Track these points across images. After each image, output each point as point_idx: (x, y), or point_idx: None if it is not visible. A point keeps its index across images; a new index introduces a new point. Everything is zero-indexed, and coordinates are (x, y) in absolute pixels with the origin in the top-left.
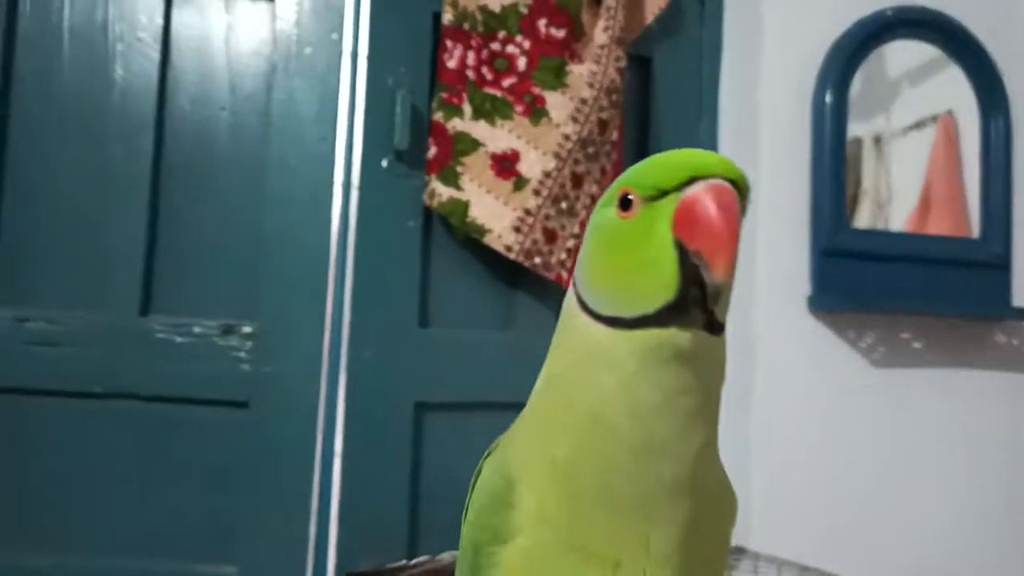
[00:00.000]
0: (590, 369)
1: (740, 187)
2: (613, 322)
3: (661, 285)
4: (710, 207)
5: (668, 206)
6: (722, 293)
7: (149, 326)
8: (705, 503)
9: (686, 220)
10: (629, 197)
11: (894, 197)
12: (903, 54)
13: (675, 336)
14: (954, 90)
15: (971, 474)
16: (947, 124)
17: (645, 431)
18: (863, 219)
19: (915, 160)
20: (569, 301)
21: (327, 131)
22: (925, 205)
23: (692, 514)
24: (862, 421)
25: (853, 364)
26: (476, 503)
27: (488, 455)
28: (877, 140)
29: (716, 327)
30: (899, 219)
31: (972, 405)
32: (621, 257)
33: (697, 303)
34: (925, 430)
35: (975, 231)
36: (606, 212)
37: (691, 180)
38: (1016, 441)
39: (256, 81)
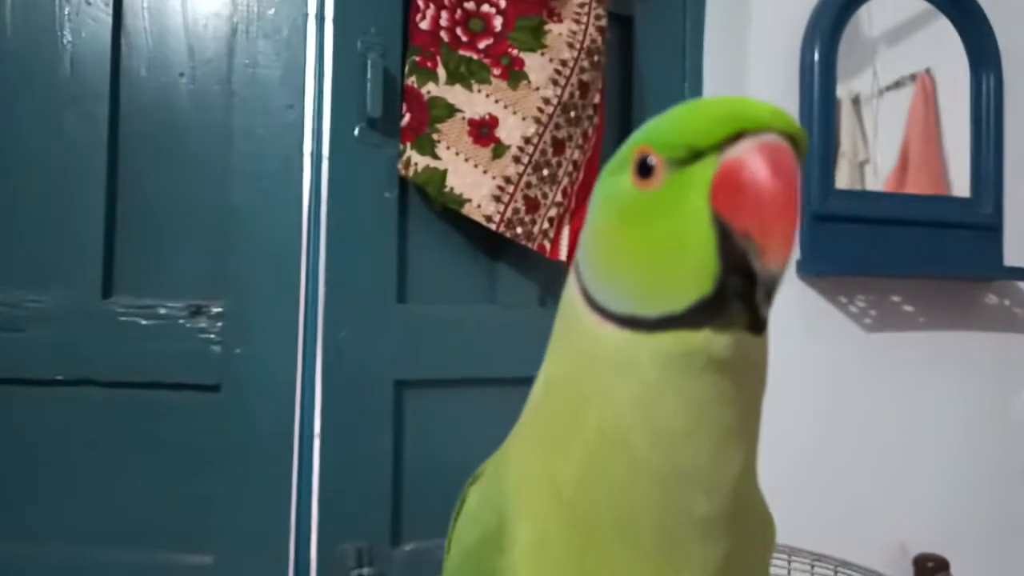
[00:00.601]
0: (601, 378)
1: (799, 146)
2: (629, 322)
3: (693, 275)
4: (763, 172)
5: (704, 172)
6: (777, 285)
7: (112, 308)
8: (743, 538)
9: (731, 189)
10: (649, 161)
11: (872, 158)
12: (881, 14)
13: (710, 341)
14: (933, 48)
15: (965, 437)
16: (925, 83)
17: (671, 455)
18: (841, 181)
19: (893, 120)
20: (570, 292)
21: (294, 98)
22: (903, 165)
23: (728, 553)
24: (854, 386)
25: (844, 329)
26: (462, 540)
27: (474, 480)
28: (855, 101)
29: (759, 325)
30: (877, 180)
31: (965, 367)
32: (640, 239)
33: (739, 296)
34: (918, 393)
35: (953, 190)
36: (618, 181)
37: (736, 136)
38: (1008, 401)
39: (217, 45)
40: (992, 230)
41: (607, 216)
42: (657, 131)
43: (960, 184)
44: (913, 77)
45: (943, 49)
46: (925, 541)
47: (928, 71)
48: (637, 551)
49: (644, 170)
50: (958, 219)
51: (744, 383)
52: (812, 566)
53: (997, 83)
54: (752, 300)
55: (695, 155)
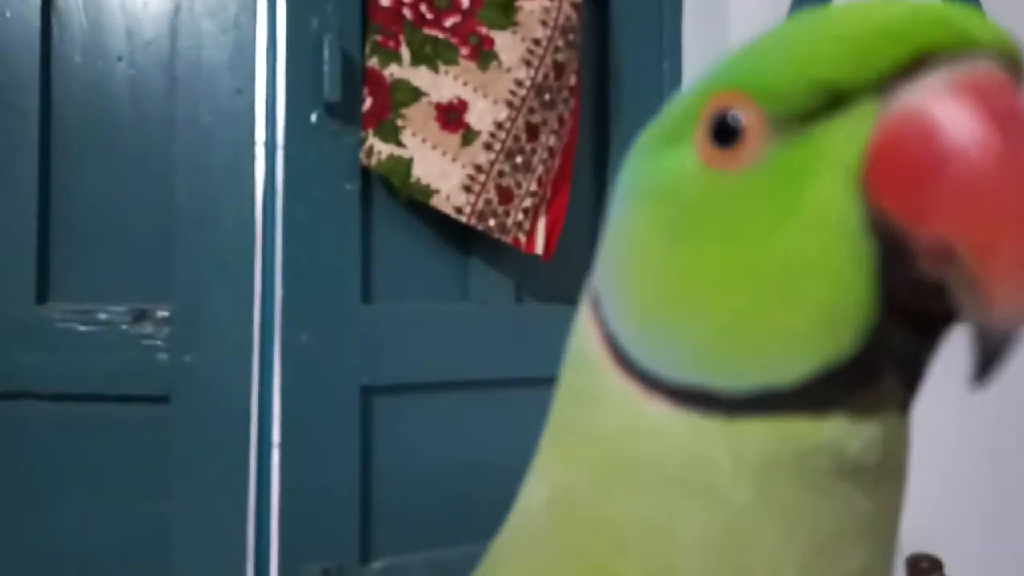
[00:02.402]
0: (649, 496)
1: (1020, 73)
2: (697, 399)
3: (823, 324)
4: (983, 132)
5: (847, 135)
6: (1011, 343)
7: (48, 315)
8: None
9: (914, 169)
10: (734, 119)
11: None
12: None
13: (845, 434)
14: None
15: (957, 433)
16: None
17: None
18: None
19: None
20: (583, 343)
21: (244, 83)
22: None
23: None
24: None
25: None
26: None
27: None
28: None
29: (913, 394)
30: None
31: (955, 359)
32: (718, 259)
33: (900, 361)
34: None
35: None
36: (670, 159)
37: (913, 65)
38: (1001, 395)
39: (157, 26)
40: None
41: (653, 220)
42: (756, 61)
43: None
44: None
45: None
46: (918, 541)
47: None
48: None
49: (725, 135)
50: None
51: (887, 489)
52: None
53: None
54: (918, 365)
55: (831, 103)
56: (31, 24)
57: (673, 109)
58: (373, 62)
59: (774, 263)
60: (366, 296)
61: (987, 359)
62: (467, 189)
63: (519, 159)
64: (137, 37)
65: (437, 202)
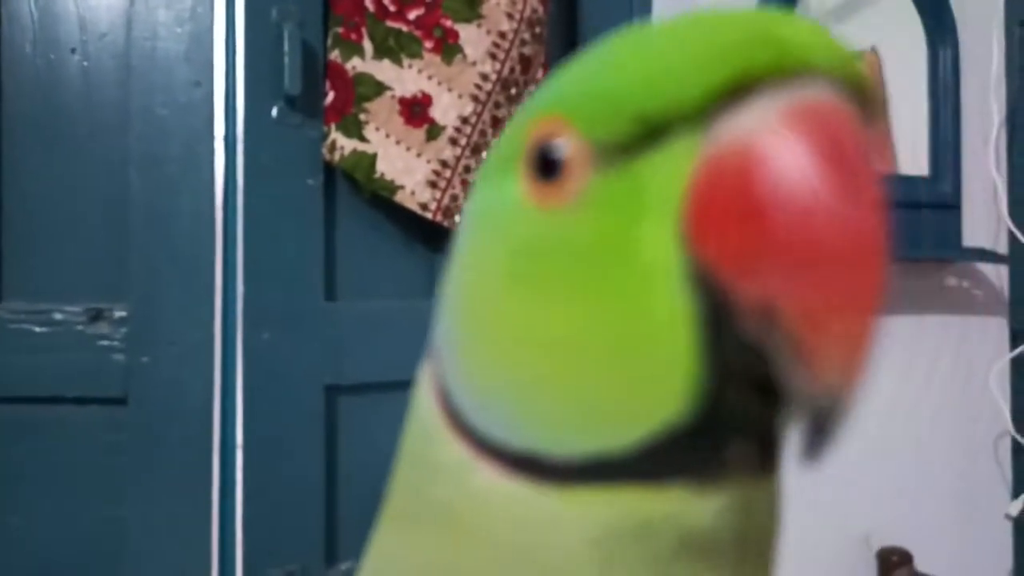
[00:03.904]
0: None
1: (869, 107)
2: (529, 466)
3: (652, 386)
4: (809, 174)
5: (668, 170)
6: (838, 415)
7: (1, 315)
8: None
9: (732, 213)
10: (556, 149)
11: None
12: None
13: (686, 504)
14: (877, 26)
15: (927, 424)
16: (870, 61)
17: None
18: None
19: None
20: (422, 398)
21: (202, 75)
22: None
23: None
24: None
25: None
26: None
27: None
28: None
29: (771, 456)
30: None
31: (925, 351)
32: (544, 305)
33: (748, 421)
34: (878, 380)
35: (903, 169)
36: (500, 190)
37: (737, 90)
38: (970, 386)
39: (111, 16)
40: (951, 209)
41: (483, 259)
42: (576, 85)
43: (910, 163)
44: (859, 55)
45: (890, 26)
46: (889, 534)
47: (873, 49)
48: None
49: (547, 166)
50: (916, 198)
51: (748, 561)
52: None
53: (954, 59)
54: (770, 424)
55: (650, 133)
56: None
57: (504, 136)
58: (335, 55)
59: (596, 317)
60: (330, 294)
61: (816, 432)
62: (432, 185)
63: (485, 154)
64: (91, 28)
65: (402, 198)
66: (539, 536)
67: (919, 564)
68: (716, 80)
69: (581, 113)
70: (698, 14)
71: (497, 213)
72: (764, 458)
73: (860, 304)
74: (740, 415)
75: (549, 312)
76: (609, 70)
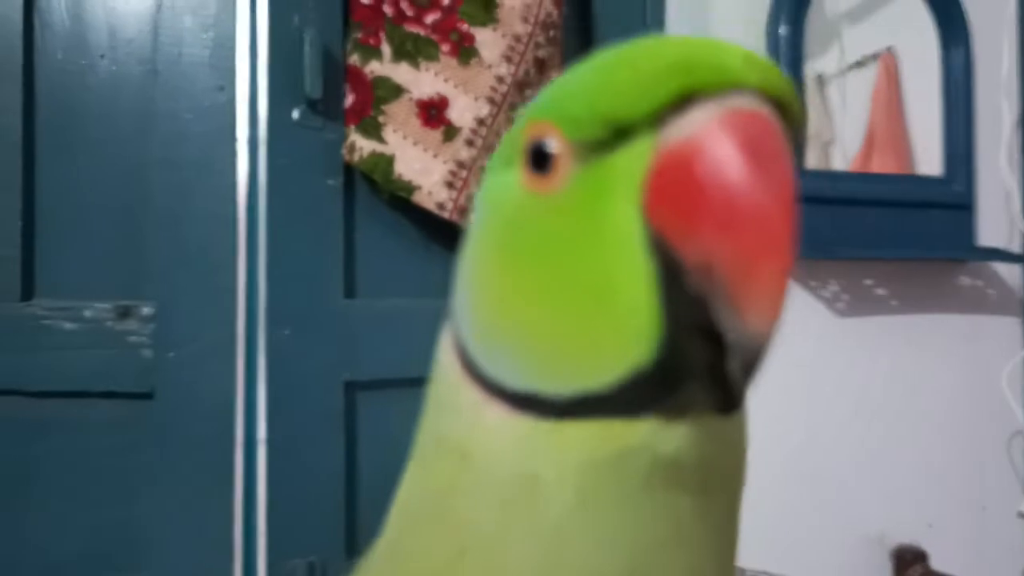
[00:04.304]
0: (480, 500)
1: (790, 116)
2: (527, 403)
3: (622, 334)
4: (734, 160)
5: (633, 162)
6: (762, 353)
7: (33, 312)
8: None
9: (677, 192)
10: (547, 146)
11: (837, 139)
12: None
13: (655, 434)
14: (895, 26)
15: (941, 423)
16: (887, 62)
17: None
18: (809, 162)
19: (857, 100)
20: (442, 349)
21: (225, 79)
22: (869, 146)
23: None
24: (828, 373)
25: (817, 314)
26: None
27: None
28: (819, 80)
29: (733, 400)
30: (843, 161)
31: (940, 350)
32: (537, 272)
33: (702, 364)
34: (893, 379)
35: (920, 170)
36: (504, 179)
37: (686, 99)
38: (984, 385)
39: (139, 23)
40: (964, 209)
41: (489, 234)
42: (560, 95)
43: (926, 164)
44: (876, 56)
45: (906, 27)
46: (903, 532)
47: (890, 49)
48: None
49: (539, 160)
50: (930, 198)
51: (713, 493)
52: None
53: (967, 59)
54: (721, 369)
55: (617, 134)
56: (13, 21)
57: (508, 134)
58: (354, 59)
59: (580, 279)
60: (349, 292)
61: (746, 362)
62: (449, 185)
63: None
64: (119, 34)
65: (419, 198)
66: (535, 462)
67: (933, 562)
68: (666, 92)
69: (565, 119)
70: (656, 39)
71: (500, 198)
72: (725, 399)
73: (772, 258)
74: (694, 359)
75: (539, 275)
76: (585, 84)
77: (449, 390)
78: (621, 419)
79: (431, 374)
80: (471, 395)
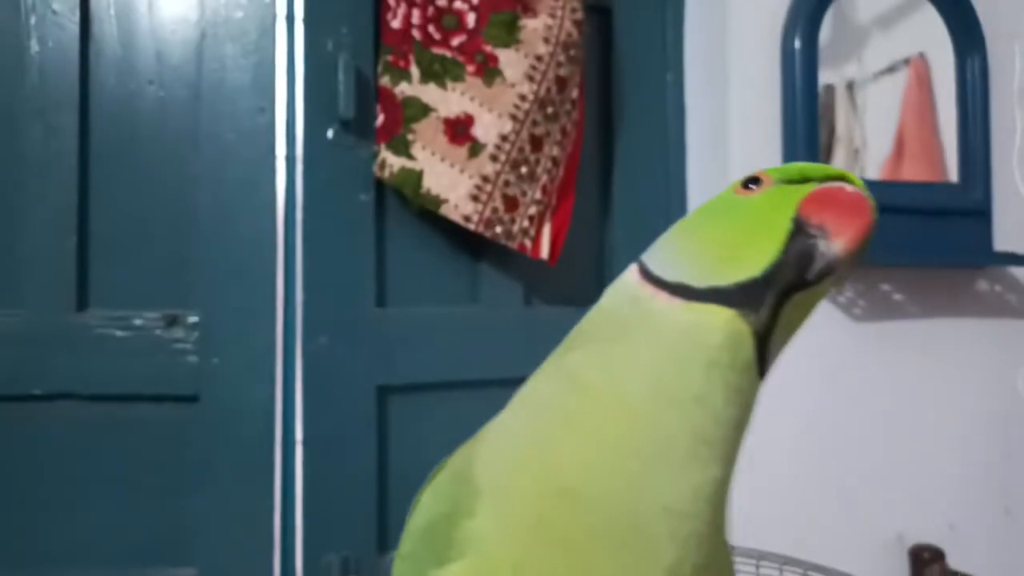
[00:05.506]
0: (655, 347)
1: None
2: (679, 290)
3: (753, 256)
4: (854, 192)
5: (802, 190)
6: (839, 271)
7: (87, 321)
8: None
9: (817, 197)
10: (757, 179)
11: (868, 144)
12: None
13: (725, 320)
14: (926, 32)
15: (959, 426)
16: (918, 67)
17: (731, 445)
18: (838, 168)
19: (888, 105)
20: (626, 277)
21: (265, 101)
22: (899, 151)
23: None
24: (846, 377)
25: (834, 320)
26: (415, 529)
27: (431, 480)
28: (849, 86)
29: (764, 357)
30: (874, 166)
31: (957, 355)
32: (723, 225)
33: (780, 292)
34: (911, 383)
35: (951, 175)
36: (722, 194)
37: (827, 178)
38: (1002, 389)
39: (184, 50)
40: (981, 215)
41: (703, 211)
42: (778, 167)
43: (941, 171)
44: (907, 61)
45: (937, 32)
46: (921, 532)
47: (922, 55)
48: (607, 545)
49: (750, 182)
50: (947, 205)
51: (734, 385)
52: (781, 571)
53: (982, 67)
54: (793, 287)
55: (804, 180)
56: (70, 51)
57: (734, 183)
58: (385, 80)
59: (746, 227)
60: (381, 301)
61: (822, 269)
62: (475, 198)
63: (524, 169)
64: (166, 60)
65: (446, 211)
66: (686, 333)
67: (951, 562)
68: (822, 175)
69: (776, 171)
70: (811, 165)
71: (715, 200)
72: (766, 326)
73: (860, 220)
74: (781, 281)
75: (725, 225)
76: (796, 165)
77: (628, 294)
78: (720, 305)
79: (600, 302)
80: (647, 291)
